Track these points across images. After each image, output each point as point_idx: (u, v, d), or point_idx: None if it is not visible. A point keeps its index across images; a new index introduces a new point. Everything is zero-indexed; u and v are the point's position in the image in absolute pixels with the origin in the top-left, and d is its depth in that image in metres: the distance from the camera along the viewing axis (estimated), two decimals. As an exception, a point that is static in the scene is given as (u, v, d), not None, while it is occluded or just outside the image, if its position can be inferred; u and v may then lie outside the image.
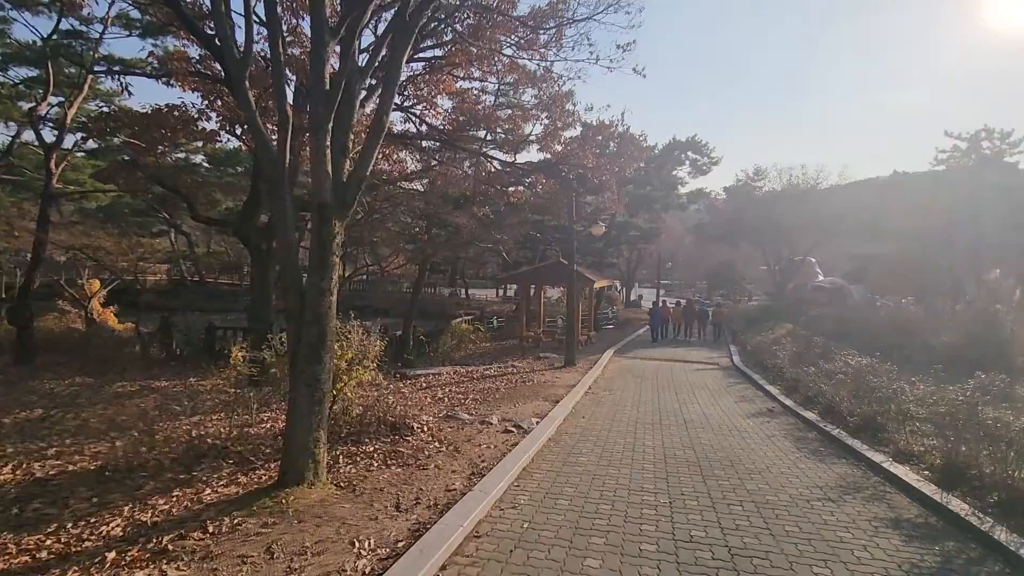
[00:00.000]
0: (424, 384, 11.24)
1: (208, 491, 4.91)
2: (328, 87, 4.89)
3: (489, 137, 16.83)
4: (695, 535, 4.21)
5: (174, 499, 4.70)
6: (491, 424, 7.61)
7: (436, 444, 6.56)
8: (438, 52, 12.88)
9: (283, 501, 4.57)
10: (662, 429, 7.76)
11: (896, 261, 26.72)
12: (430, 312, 27.45)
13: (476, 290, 44.43)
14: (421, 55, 13.24)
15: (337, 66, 5.44)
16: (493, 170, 17.99)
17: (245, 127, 11.40)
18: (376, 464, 5.79)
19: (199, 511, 4.45)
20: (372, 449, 6.27)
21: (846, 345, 13.17)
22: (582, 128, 15.33)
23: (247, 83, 5.10)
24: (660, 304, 26.71)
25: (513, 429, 7.34)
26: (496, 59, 13.40)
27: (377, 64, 5.55)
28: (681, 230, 45.69)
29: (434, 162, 17.57)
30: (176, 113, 11.18)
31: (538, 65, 13.25)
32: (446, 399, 9.57)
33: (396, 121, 16.16)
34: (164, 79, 10.95)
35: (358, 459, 5.90)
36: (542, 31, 9.92)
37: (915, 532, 4.35)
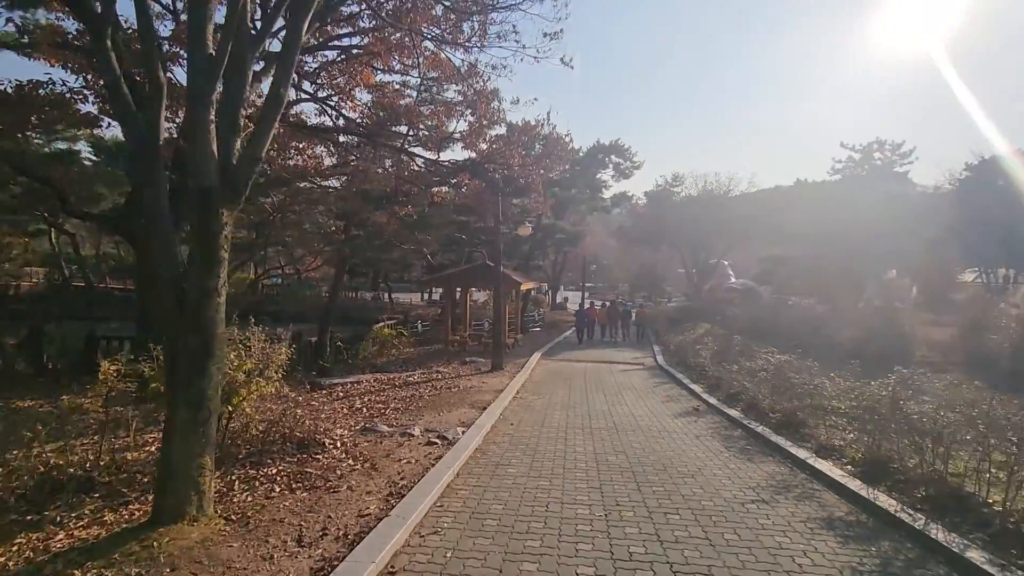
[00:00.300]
0: (341, 394, 10.42)
1: (61, 535, 4.02)
2: (212, 52, 4.16)
3: (411, 134, 16.15)
4: (635, 552, 3.88)
5: (13, 549, 3.79)
6: (413, 436, 7.02)
7: (350, 461, 5.90)
8: (355, 40, 12.11)
9: (155, 544, 3.78)
10: (592, 433, 7.50)
11: (800, 263, 28.68)
12: (352, 317, 26.13)
13: (400, 294, 43.13)
14: (337, 43, 12.40)
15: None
16: (416, 168, 17.31)
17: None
18: (279, 489, 5.06)
19: (42, 563, 3.58)
20: (275, 471, 5.51)
21: (761, 342, 13.69)
22: (507, 128, 15.03)
23: (109, 42, 4.25)
24: (587, 306, 27.01)
25: (437, 440, 6.79)
26: (418, 50, 12.82)
27: (276, 30, 4.85)
28: (605, 233, 46.81)
29: (353, 158, 16.63)
30: (42, 92, 9.68)
31: (463, 60, 12.81)
32: (365, 409, 8.85)
33: (311, 113, 15.13)
34: (27, 51, 9.45)
35: (257, 484, 5.14)
36: (466, 18, 9.46)
37: (849, 532, 4.27)
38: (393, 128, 16.73)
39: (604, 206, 32.97)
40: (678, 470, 5.85)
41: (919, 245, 26.58)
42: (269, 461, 5.76)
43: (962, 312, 13.73)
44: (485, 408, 8.84)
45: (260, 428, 6.22)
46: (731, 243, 35.15)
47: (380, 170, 17.73)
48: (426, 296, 44.14)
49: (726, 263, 40.92)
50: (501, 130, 14.86)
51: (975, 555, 3.65)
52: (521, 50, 9.02)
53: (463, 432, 7.19)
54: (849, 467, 5.68)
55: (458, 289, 21.47)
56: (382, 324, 19.67)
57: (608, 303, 25.90)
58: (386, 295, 38.88)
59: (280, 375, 6.36)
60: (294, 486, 5.13)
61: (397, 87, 15.89)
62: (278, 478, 5.34)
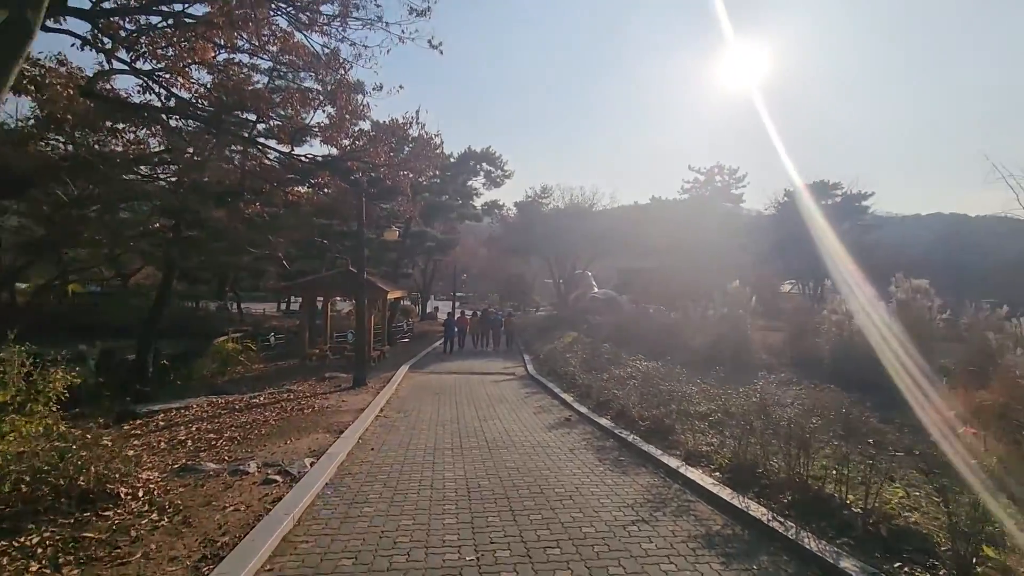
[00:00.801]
0: (162, 423, 8.67)
1: None
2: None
3: (261, 123, 14.37)
4: (512, 606, 3.28)
5: None
6: (247, 473, 5.80)
7: (155, 515, 4.61)
8: (187, 7, 10.36)
9: None
10: (464, 454, 6.84)
11: (654, 274, 30.95)
12: (191, 330, 22.75)
13: (254, 304, 39.05)
14: (162, 7, 10.52)
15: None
16: (268, 163, 15.48)
17: None
18: (38, 567, 3.70)
19: None
20: (38, 539, 4.08)
21: (626, 349, 14.15)
22: (373, 125, 13.96)
23: None
24: (459, 315, 26.47)
25: (277, 477, 5.66)
26: (268, 27, 11.36)
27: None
28: (476, 242, 46.82)
29: (188, 147, 14.37)
30: None
31: (322, 46, 11.60)
32: (190, 442, 7.32)
33: (134, 90, 12.83)
34: None
35: (5, 562, 3.73)
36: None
37: (729, 549, 4.08)
38: (240, 115, 14.78)
39: (475, 214, 32.79)
40: (555, 491, 5.41)
41: (751, 259, 30.11)
42: (32, 526, 4.28)
43: (789, 319, 15.43)
44: (343, 432, 7.78)
45: (23, 480, 4.66)
46: (595, 254, 36.97)
47: (226, 164, 15.61)
48: (283, 306, 40.49)
49: (589, 274, 43.00)
50: (366, 126, 13.77)
51: (848, 565, 3.59)
52: (384, 28, 8.19)
53: (312, 464, 6.12)
54: (718, 474, 5.67)
55: (319, 298, 19.70)
56: (226, 338, 17.30)
57: (479, 312, 25.58)
58: (235, 305, 34.87)
59: (54, 408, 4.84)
60: (63, 560, 3.80)
61: (245, 69, 14.09)
62: (40, 550, 3.94)
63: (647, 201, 34.89)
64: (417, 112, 13.40)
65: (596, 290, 40.48)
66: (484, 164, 30.48)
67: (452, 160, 29.63)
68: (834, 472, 4.73)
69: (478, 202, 33.19)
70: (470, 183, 30.91)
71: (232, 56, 12.67)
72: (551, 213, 34.79)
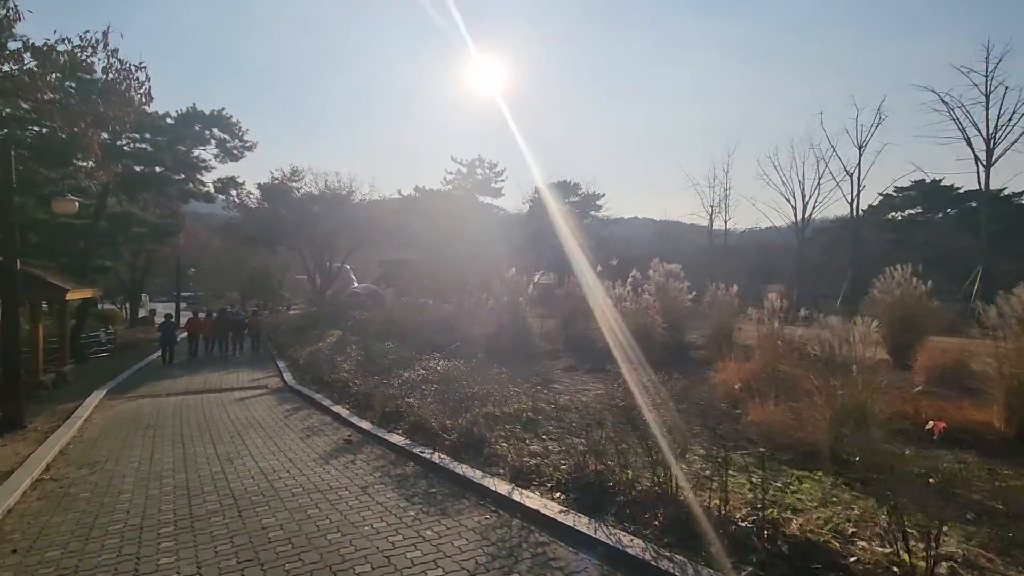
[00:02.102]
0: None
1: None
2: None
3: None
4: None
5: None
6: None
7: None
8: None
9: None
10: (196, 532, 4.41)
11: (420, 266, 29.93)
12: None
13: None
14: None
15: None
16: None
17: None
18: None
19: None
20: None
21: (404, 347, 12.60)
22: (27, 47, 9.33)
23: None
24: (189, 317, 21.27)
25: None
26: None
27: None
28: (208, 231, 39.18)
29: None
30: None
31: None
32: None
33: None
34: None
35: None
36: None
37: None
38: None
39: (205, 193, 26.55)
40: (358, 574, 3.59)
41: (509, 251, 31.46)
42: None
43: (560, 305, 15.92)
44: (-50, 528, 4.47)
45: None
46: (354, 245, 34.21)
47: None
48: None
49: (348, 267, 39.95)
50: (14, 44, 9.15)
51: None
52: None
53: None
54: (560, 495, 4.58)
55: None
56: None
57: (215, 313, 20.90)
58: None
59: None
60: None
61: None
62: None
63: (411, 191, 33.49)
64: (106, 34, 9.29)
65: (356, 284, 37.76)
66: (216, 130, 24.59)
67: (171, 121, 23.27)
68: (707, 476, 4.02)
69: (209, 178, 26.76)
70: (197, 153, 24.73)
71: None
72: (304, 199, 30.89)
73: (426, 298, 23.87)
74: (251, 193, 30.59)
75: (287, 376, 13.09)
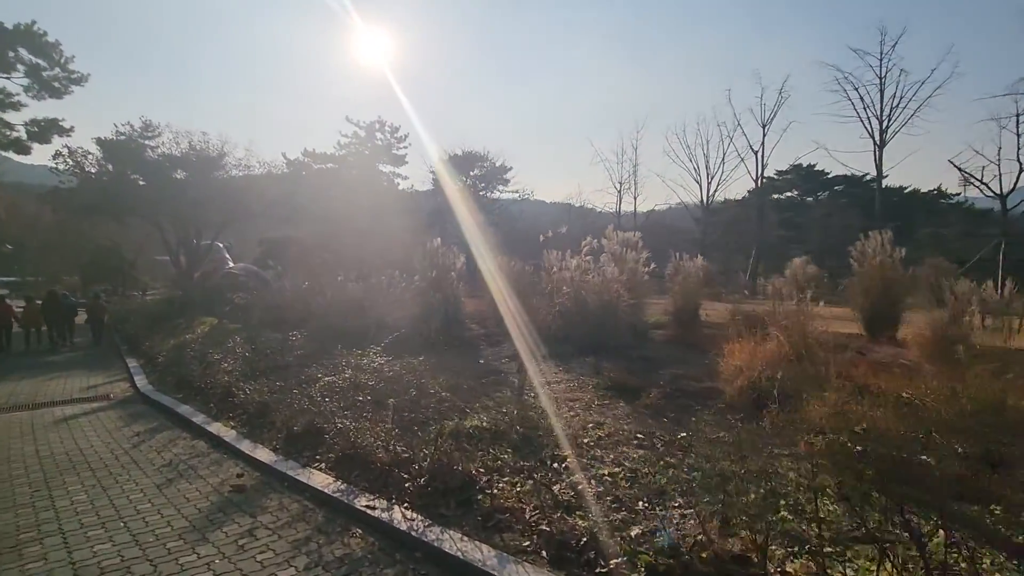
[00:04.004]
0: None
1: None
2: None
3: None
4: None
5: None
6: None
7: None
8: None
9: None
10: None
11: (312, 243, 26.26)
12: None
13: None
14: None
15: None
16: None
17: None
18: None
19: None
20: None
21: (308, 337, 9.91)
22: None
23: None
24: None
25: None
26: None
27: None
28: (33, 200, 31.66)
29: None
30: None
31: None
32: None
33: None
34: None
35: None
36: None
37: None
38: None
39: (15, 141, 20.25)
40: None
41: (412, 226, 28.71)
42: None
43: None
44: None
45: None
46: (227, 220, 29.27)
47: None
48: None
49: (221, 244, 34.67)
50: None
51: None
52: None
53: None
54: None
55: None
56: None
57: (34, 298, 16.22)
58: None
59: None
60: None
61: None
62: None
63: (298, 155, 29.03)
64: None
65: (231, 265, 32.81)
66: (24, 51, 18.39)
67: None
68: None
69: (18, 119, 20.12)
70: None
71: None
72: (161, 161, 25.50)
73: (316, 280, 20.69)
74: (88, 152, 24.60)
75: (139, 379, 9.76)
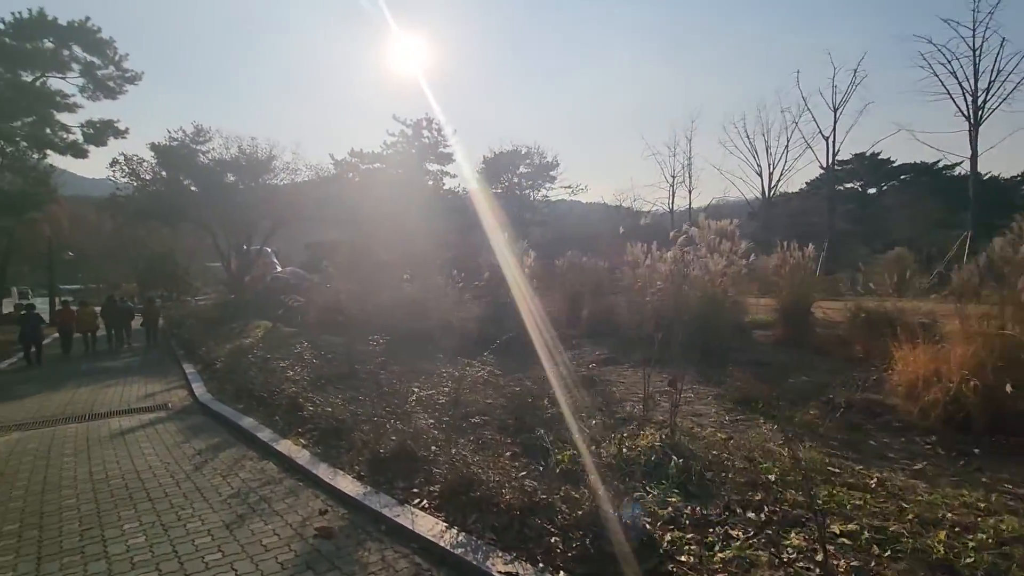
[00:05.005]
0: None
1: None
2: None
3: None
4: None
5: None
6: None
7: None
8: None
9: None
10: None
11: (361, 246, 25.83)
12: None
13: None
14: None
15: None
16: None
17: None
18: None
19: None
20: None
21: (358, 340, 9.07)
22: None
23: None
24: (62, 306, 16.48)
25: None
26: None
27: None
28: (92, 208, 32.46)
29: None
30: None
31: None
32: None
33: None
34: None
35: None
36: None
37: None
38: None
39: (72, 143, 20.08)
40: None
41: (458, 226, 27.92)
42: None
43: (562, 280, 12.82)
44: None
45: None
46: (276, 224, 29.27)
47: None
48: None
49: (269, 249, 34.87)
50: None
51: None
52: None
53: None
54: None
55: None
56: None
57: (90, 304, 16.23)
58: None
59: None
60: None
61: None
62: None
63: (344, 156, 28.61)
64: None
65: (279, 269, 32.92)
66: (79, 49, 18.09)
67: (1, 27, 16.33)
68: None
69: (74, 120, 19.82)
70: (51, 84, 18.11)
71: None
72: (213, 166, 25.53)
73: (371, 281, 20.09)
74: (143, 160, 24.79)
75: (197, 387, 9.12)
